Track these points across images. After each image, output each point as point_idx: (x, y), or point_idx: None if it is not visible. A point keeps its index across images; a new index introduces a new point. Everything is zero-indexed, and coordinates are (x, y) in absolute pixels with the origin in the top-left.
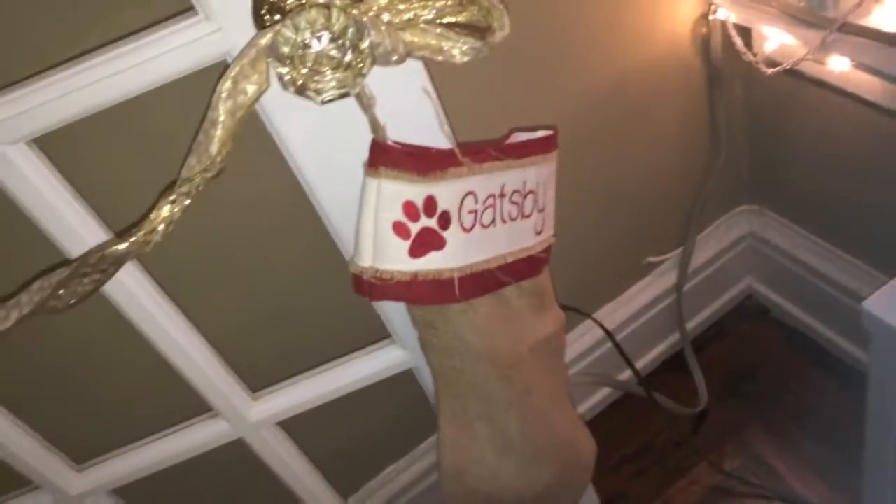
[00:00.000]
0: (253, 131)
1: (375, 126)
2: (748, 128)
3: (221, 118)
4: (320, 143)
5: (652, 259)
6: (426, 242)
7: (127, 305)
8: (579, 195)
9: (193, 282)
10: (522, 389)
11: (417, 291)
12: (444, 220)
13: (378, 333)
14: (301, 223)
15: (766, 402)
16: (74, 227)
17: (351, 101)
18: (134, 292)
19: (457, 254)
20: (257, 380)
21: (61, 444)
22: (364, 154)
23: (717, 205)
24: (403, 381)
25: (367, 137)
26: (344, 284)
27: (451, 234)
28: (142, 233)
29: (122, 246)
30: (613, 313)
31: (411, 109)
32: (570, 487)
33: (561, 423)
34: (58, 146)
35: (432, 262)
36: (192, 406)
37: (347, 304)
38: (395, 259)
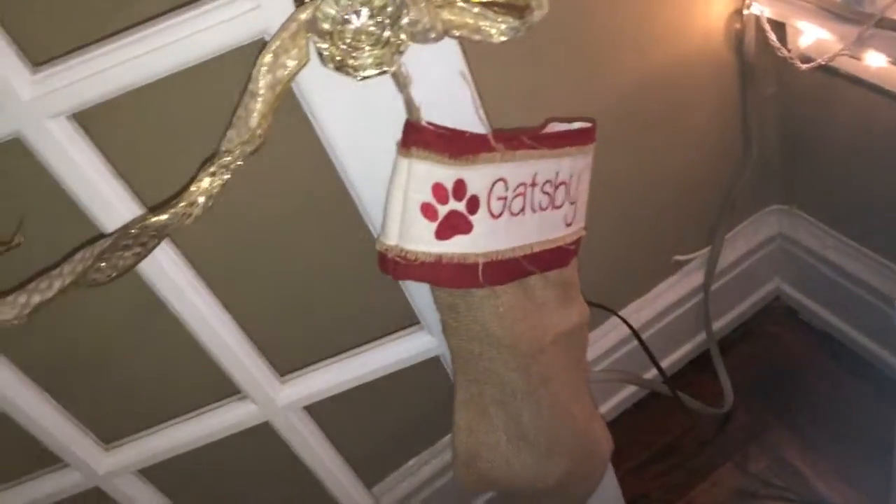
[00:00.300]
0: (287, 109)
1: (410, 106)
2: (780, 125)
3: (261, 92)
4: (354, 121)
5: (679, 257)
6: (453, 225)
7: (160, 284)
8: (608, 190)
9: (224, 262)
10: (540, 380)
11: (441, 273)
12: (473, 205)
13: (407, 319)
14: (333, 203)
15: (792, 405)
16: (111, 202)
17: (387, 81)
18: (167, 271)
19: (483, 239)
20: (285, 363)
21: (90, 423)
22: (397, 134)
23: (746, 204)
24: (430, 369)
25: (401, 118)
26: (374, 268)
27: (479, 220)
28: (182, 204)
29: (163, 217)
30: (639, 311)
31: (446, 92)
32: (584, 481)
33: (578, 417)
34: (97, 122)
35: (458, 246)
36: (221, 388)
37: (377, 288)
38: (421, 240)
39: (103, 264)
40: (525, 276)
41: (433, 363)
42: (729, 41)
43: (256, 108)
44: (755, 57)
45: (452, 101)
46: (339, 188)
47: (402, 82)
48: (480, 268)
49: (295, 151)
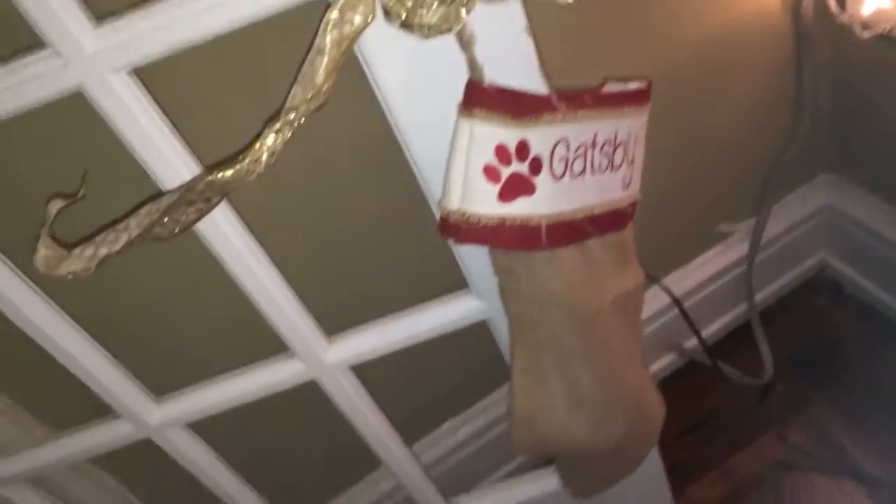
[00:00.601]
0: (346, 67)
1: (473, 66)
2: (834, 94)
3: (328, 47)
4: (414, 81)
5: (724, 227)
6: (516, 187)
7: (214, 240)
8: (655, 156)
9: (277, 221)
10: (599, 342)
11: (504, 236)
12: (535, 166)
13: (456, 283)
14: (388, 164)
15: (835, 378)
16: (170, 159)
17: (449, 41)
18: (222, 228)
19: (546, 201)
20: (333, 323)
21: (142, 376)
22: (458, 95)
23: (795, 174)
24: (475, 333)
25: (462, 78)
26: (425, 230)
27: (542, 181)
28: (247, 161)
29: (228, 173)
30: (682, 280)
31: (508, 51)
32: (638, 446)
33: (633, 381)
34: (158, 78)
35: (521, 208)
36: (270, 346)
37: (427, 251)
38: (484, 202)
39: (167, 219)
40: (585, 238)
41: (477, 327)
42: (786, 5)
43: (322, 65)
44: (813, 22)
45: (514, 61)
46: (394, 149)
47: (466, 41)
48: (544, 230)
49: (351, 111)
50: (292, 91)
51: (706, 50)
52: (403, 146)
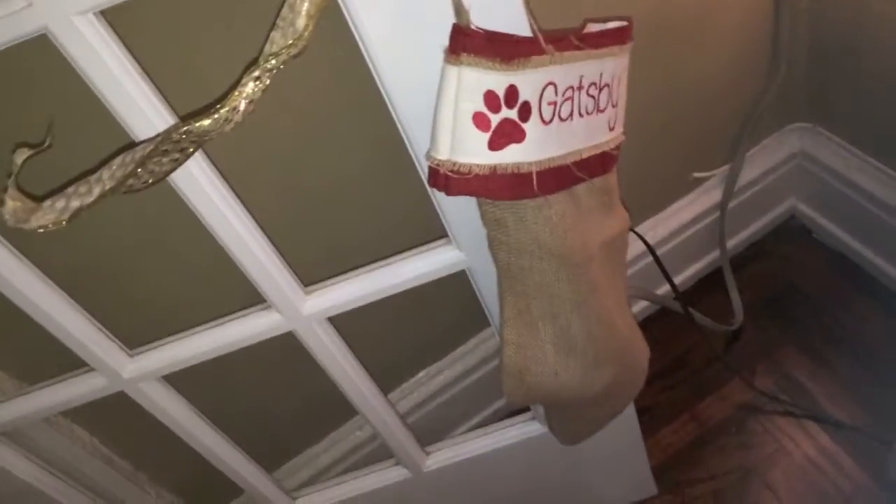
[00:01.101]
0: (325, 11)
1: (459, 9)
2: (812, 40)
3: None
4: (398, 27)
5: (699, 174)
6: (506, 134)
7: (188, 189)
8: (631, 104)
9: (252, 170)
10: (589, 289)
11: (495, 185)
12: (525, 112)
13: (434, 233)
14: (367, 113)
15: (803, 324)
16: (142, 107)
17: None
18: (195, 175)
19: (536, 147)
20: (311, 274)
21: (116, 329)
22: (443, 40)
23: (770, 122)
24: (452, 283)
25: (448, 23)
26: (405, 180)
27: (531, 127)
28: (225, 109)
29: (206, 122)
30: (655, 227)
31: None
32: (626, 390)
33: (621, 326)
34: (126, 22)
35: (511, 156)
36: (246, 297)
37: (405, 202)
38: (474, 152)
39: (141, 170)
40: (575, 183)
41: (454, 277)
42: None
43: (304, 9)
44: None
45: (500, 4)
46: (374, 96)
47: None
48: (535, 177)
49: (331, 54)
50: (271, 36)
51: None
52: (385, 94)
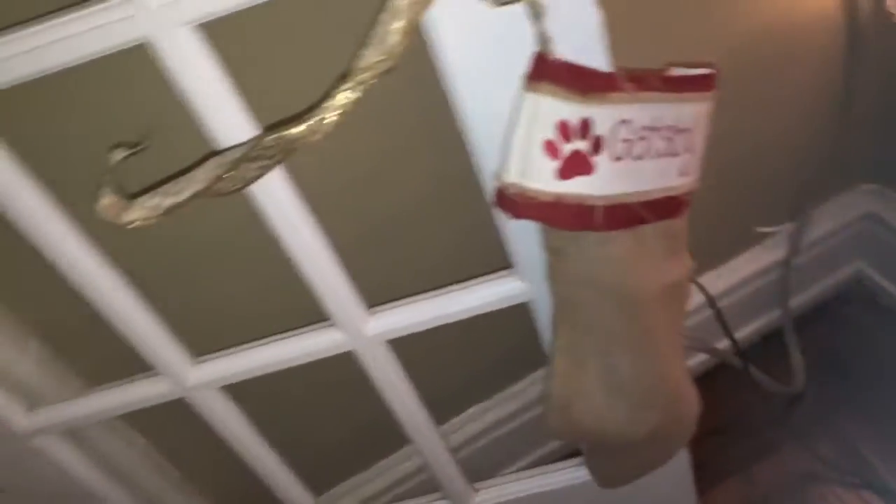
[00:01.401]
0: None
1: (542, 39)
2: (883, 96)
3: (403, 9)
4: (479, 51)
5: (762, 229)
6: (575, 166)
7: (267, 201)
8: None
9: (326, 188)
10: (643, 330)
11: (559, 214)
12: (596, 146)
13: (499, 263)
14: (442, 134)
15: (865, 391)
16: (229, 117)
17: (518, 11)
18: (273, 187)
19: (604, 182)
20: (374, 296)
21: (182, 334)
22: (523, 68)
23: (837, 180)
24: (511, 316)
25: (528, 51)
26: (473, 207)
27: (601, 161)
28: (314, 120)
29: (297, 130)
30: (717, 280)
31: (578, 26)
32: (671, 441)
33: (672, 374)
34: (223, 36)
35: (578, 187)
36: (310, 314)
37: (473, 229)
38: (542, 178)
39: (232, 174)
40: (640, 223)
41: (514, 310)
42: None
43: (398, 28)
44: (868, 20)
45: (583, 36)
46: (448, 119)
47: (537, 12)
48: (600, 211)
49: (412, 75)
50: (362, 53)
51: (758, 42)
52: (460, 116)
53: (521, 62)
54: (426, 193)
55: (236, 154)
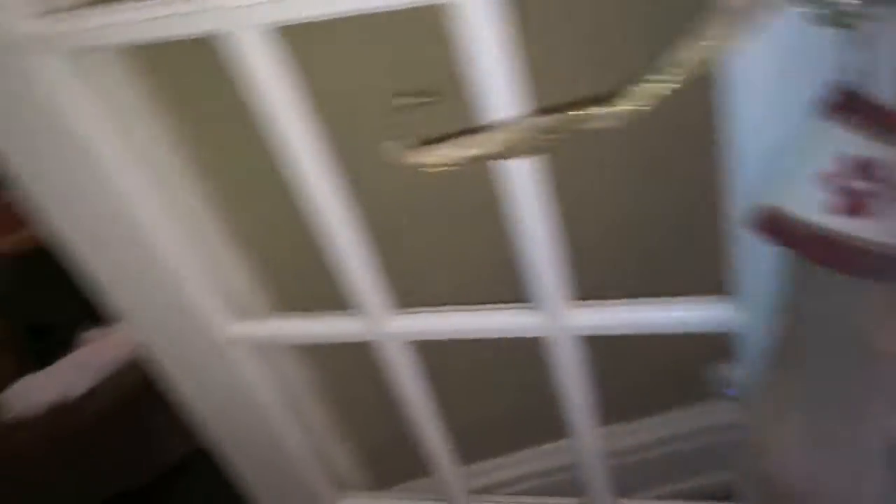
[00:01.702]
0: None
1: (851, 70)
2: None
3: (716, 39)
4: (769, 73)
5: None
6: (851, 204)
7: (510, 181)
8: None
9: (572, 179)
10: (870, 388)
11: (819, 249)
12: (880, 187)
13: (714, 286)
14: (693, 150)
15: None
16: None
17: (823, 39)
18: (526, 171)
19: (881, 227)
20: (576, 290)
21: (391, 284)
22: (812, 92)
23: None
24: (702, 342)
25: (822, 76)
26: (710, 227)
27: (882, 206)
28: (622, 104)
29: (603, 110)
30: None
31: (890, 64)
32: None
33: (881, 437)
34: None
35: (849, 226)
36: (511, 293)
37: (699, 248)
38: (810, 209)
39: (527, 138)
40: None
41: (707, 337)
42: None
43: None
44: None
45: (883, 72)
46: (710, 135)
47: (859, 42)
48: (868, 257)
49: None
50: (677, 56)
51: None
52: (727, 134)
53: (811, 87)
54: (662, 208)
55: (544, 122)
